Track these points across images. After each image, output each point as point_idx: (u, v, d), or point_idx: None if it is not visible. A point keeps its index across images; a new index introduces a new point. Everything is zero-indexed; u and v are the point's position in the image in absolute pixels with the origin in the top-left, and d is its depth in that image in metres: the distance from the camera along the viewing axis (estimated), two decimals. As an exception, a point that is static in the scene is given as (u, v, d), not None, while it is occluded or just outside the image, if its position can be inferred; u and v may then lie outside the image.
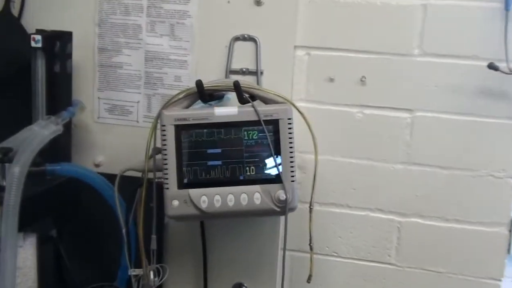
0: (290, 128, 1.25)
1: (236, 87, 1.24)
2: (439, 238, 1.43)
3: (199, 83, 1.25)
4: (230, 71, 1.44)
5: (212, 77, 1.39)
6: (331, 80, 1.42)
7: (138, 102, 1.53)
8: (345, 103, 1.42)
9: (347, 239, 1.48)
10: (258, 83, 1.42)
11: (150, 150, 1.30)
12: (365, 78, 1.40)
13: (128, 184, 1.36)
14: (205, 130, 1.25)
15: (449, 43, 1.35)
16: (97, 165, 1.57)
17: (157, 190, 1.28)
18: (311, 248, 1.34)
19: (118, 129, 1.54)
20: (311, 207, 1.34)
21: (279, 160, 1.24)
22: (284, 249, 1.28)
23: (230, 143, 1.25)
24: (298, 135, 1.26)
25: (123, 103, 1.53)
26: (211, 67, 1.46)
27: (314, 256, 1.34)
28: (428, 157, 1.40)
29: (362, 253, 1.48)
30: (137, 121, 1.53)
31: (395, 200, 1.44)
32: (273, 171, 1.25)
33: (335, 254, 1.50)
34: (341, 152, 1.44)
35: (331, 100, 1.43)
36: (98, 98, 1.55)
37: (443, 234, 1.42)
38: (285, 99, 1.29)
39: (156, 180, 1.29)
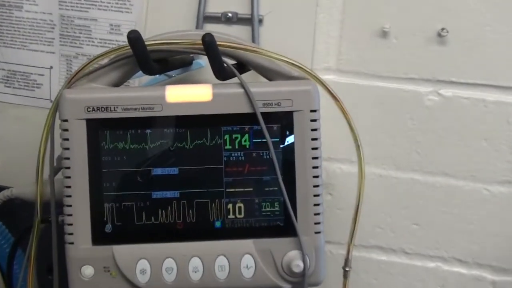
0: (314, 130, 0.64)
1: (208, 45, 0.61)
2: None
3: (134, 37, 0.62)
4: (204, 18, 0.81)
5: (172, 28, 0.76)
6: (384, 34, 0.79)
7: (51, 68, 0.90)
8: (408, 75, 0.80)
9: (400, 304, 0.88)
10: (254, 40, 0.79)
11: (51, 163, 0.69)
12: (446, 31, 0.77)
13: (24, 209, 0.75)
14: (148, 131, 0.64)
15: None
16: (-10, 170, 0.95)
17: (60, 236, 0.67)
18: None
19: (20, 111, 0.93)
20: (347, 268, 0.73)
21: (291, 191, 0.63)
22: None
23: (197, 158, 0.64)
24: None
25: (27, 69, 0.91)
26: (171, 9, 0.83)
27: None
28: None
29: (425, 328, 0.88)
30: (51, 100, 0.91)
31: (487, 245, 0.84)
32: (280, 214, 0.64)
33: (377, 327, 0.90)
34: (396, 161, 0.84)
35: (383, 71, 0.81)
36: (-14, 59, 0.92)
37: None
38: (306, 70, 0.66)
39: (62, 217, 0.68)
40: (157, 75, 0.79)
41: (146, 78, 0.82)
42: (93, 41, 0.87)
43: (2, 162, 0.96)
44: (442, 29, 0.77)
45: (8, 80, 0.92)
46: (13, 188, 0.73)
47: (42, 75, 0.90)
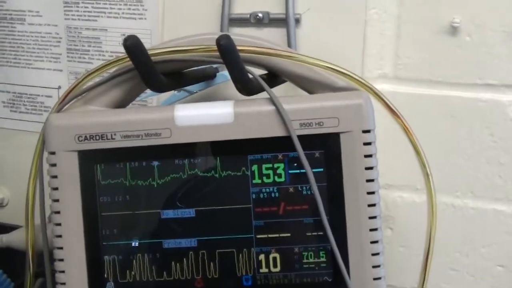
0: (369, 156, 0.49)
1: (225, 50, 0.47)
2: None
3: (131, 45, 0.48)
4: (230, 20, 0.67)
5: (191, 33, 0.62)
6: (454, 30, 0.63)
7: (59, 88, 0.79)
8: (485, 81, 0.65)
9: None
10: (290, 44, 0.65)
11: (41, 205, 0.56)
12: (536, 23, 0.61)
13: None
14: (155, 163, 0.50)
15: None
16: (-1, 205, 0.85)
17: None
18: None
19: (27, 138, 0.81)
20: (417, 329, 0.58)
21: (341, 236, 0.48)
22: None
23: (218, 196, 0.50)
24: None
25: (33, 91, 0.80)
26: (192, 13, 0.70)
27: None
28: None
29: None
30: (61, 125, 0.78)
31: None
32: (327, 266, 0.49)
33: None
34: (473, 188, 0.69)
35: (453, 77, 0.66)
36: (-11, 81, 0.81)
37: None
38: (356, 78, 0.51)
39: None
40: (175, 92, 0.66)
41: (165, 95, 0.68)
42: (103, 55, 0.74)
43: (11, 198, 0.84)
44: (529, 19, 0.61)
45: (13, 104, 0.81)
46: (3, 236, 0.61)
47: (50, 96, 0.79)
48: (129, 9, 0.72)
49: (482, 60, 0.63)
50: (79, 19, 0.74)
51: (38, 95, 0.79)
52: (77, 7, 0.74)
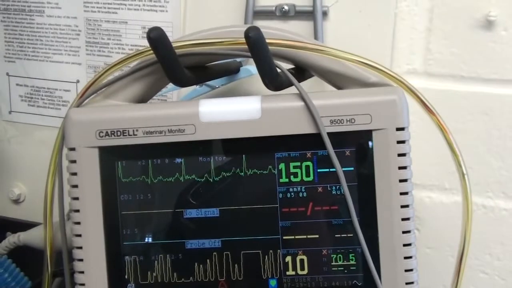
0: (403, 155, 0.46)
1: (254, 42, 0.45)
2: None
3: (156, 37, 0.46)
4: (255, 13, 0.65)
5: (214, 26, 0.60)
6: (489, 24, 0.61)
7: (77, 82, 0.77)
8: (523, 78, 0.61)
9: None
10: (317, 38, 0.62)
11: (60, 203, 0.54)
12: None
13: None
14: (178, 161, 0.48)
15: None
16: (16, 201, 0.83)
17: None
18: None
19: (45, 133, 0.80)
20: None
21: (372, 238, 0.46)
22: None
23: (244, 195, 0.48)
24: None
25: (51, 85, 0.78)
26: (214, 5, 0.68)
27: None
28: None
29: None
30: (79, 120, 0.76)
31: None
32: (357, 269, 0.47)
33: None
34: (506, 189, 0.67)
35: (487, 73, 0.63)
36: (7, 74, 0.79)
37: None
38: (389, 73, 0.49)
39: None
40: (197, 86, 0.64)
41: (186, 90, 0.67)
42: (123, 48, 0.72)
43: (27, 194, 0.83)
44: None
45: (31, 98, 0.79)
46: (21, 234, 0.59)
47: (68, 90, 0.77)
48: (150, 1, 0.70)
49: (517, 55, 0.61)
50: (98, 11, 0.73)
51: (56, 89, 0.78)
52: (97, 0, 0.72)
